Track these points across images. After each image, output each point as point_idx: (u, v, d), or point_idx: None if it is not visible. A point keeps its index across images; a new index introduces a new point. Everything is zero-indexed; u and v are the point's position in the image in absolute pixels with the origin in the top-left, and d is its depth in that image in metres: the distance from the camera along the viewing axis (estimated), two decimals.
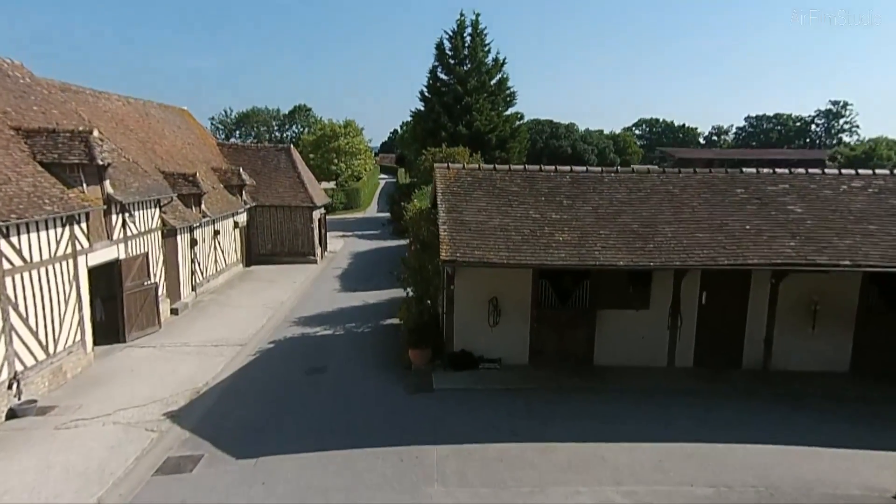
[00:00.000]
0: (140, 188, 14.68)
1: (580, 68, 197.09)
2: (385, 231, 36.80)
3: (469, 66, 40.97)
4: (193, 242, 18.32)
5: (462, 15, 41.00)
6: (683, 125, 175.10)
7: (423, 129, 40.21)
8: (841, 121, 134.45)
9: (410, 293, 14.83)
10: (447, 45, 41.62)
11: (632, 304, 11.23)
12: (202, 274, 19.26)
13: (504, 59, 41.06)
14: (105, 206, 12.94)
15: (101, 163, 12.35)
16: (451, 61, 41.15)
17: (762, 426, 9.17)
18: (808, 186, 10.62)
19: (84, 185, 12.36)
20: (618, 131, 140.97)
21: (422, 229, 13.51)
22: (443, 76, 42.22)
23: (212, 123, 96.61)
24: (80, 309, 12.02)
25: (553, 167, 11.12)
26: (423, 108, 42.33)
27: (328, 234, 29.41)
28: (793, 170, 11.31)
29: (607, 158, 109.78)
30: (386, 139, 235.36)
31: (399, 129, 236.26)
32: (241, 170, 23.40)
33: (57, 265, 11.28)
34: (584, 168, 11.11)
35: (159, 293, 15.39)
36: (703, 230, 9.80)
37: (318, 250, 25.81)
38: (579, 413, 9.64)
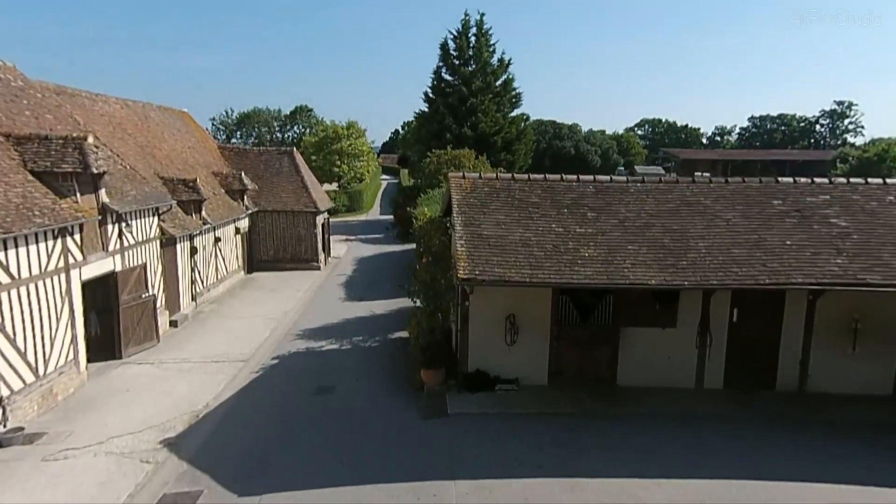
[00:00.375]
0: (138, 196, 14.02)
1: (582, 67, 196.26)
2: (389, 235, 36.13)
3: (474, 66, 40.30)
4: (193, 251, 17.68)
5: (466, 15, 40.33)
6: (686, 125, 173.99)
7: (428, 131, 39.56)
8: (846, 121, 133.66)
9: (419, 303, 14.22)
10: (451, 45, 40.96)
11: (658, 321, 10.56)
12: (202, 283, 18.60)
13: (509, 60, 40.48)
14: (100, 217, 12.28)
15: (95, 171, 11.70)
16: (456, 62, 40.50)
17: (806, 458, 8.50)
18: (851, 197, 9.94)
19: (78, 194, 11.71)
20: (620, 132, 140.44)
21: (433, 239, 12.84)
22: (447, 77, 41.57)
23: (212, 124, 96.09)
24: (74, 326, 11.37)
25: (575, 176, 10.44)
26: (427, 110, 41.67)
27: (331, 238, 28.76)
28: (833, 180, 10.62)
29: (611, 159, 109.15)
30: (387, 139, 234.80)
31: (401, 130, 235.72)
32: (243, 174, 22.75)
33: (48, 280, 10.63)
34: (609, 178, 10.43)
35: (158, 305, 14.74)
36: (740, 245, 9.13)
37: (322, 256, 25.16)
38: (607, 442, 8.97)
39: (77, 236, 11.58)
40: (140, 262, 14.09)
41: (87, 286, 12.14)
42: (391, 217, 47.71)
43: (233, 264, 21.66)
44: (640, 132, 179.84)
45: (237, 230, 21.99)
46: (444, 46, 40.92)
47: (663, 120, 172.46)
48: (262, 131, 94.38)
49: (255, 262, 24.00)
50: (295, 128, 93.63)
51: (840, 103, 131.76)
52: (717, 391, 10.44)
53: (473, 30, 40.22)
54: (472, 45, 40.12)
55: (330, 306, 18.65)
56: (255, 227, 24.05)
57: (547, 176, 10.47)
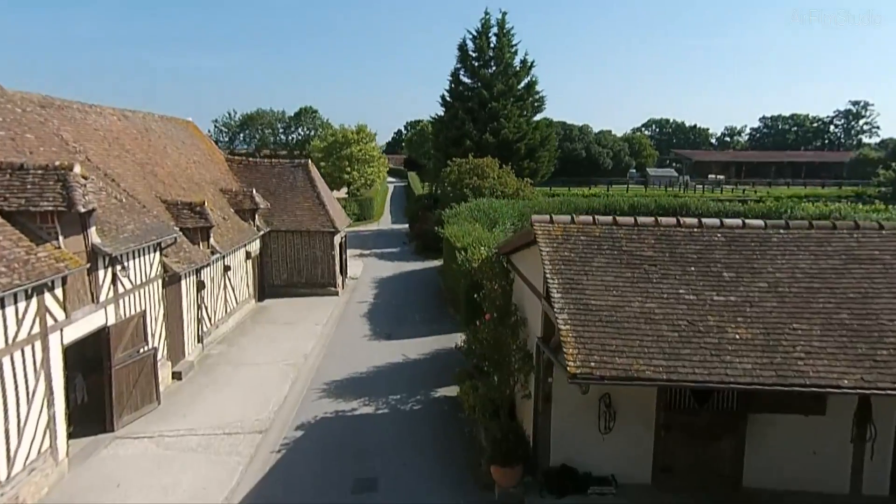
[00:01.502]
0: (136, 231, 11.71)
1: (587, 67, 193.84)
2: (406, 249, 33.75)
3: (495, 68, 37.98)
4: (201, 285, 15.37)
5: (487, 14, 37.99)
6: (695, 126, 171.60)
7: (446, 137, 37.22)
8: (861, 121, 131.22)
9: (461, 343, 12.02)
10: (470, 45, 38.61)
11: (799, 406, 8.24)
12: (210, 319, 16.30)
13: (532, 62, 38.11)
14: (89, 264, 9.97)
15: (83, 209, 9.39)
16: (476, 63, 38.16)
17: None
18: None
19: (60, 237, 9.40)
20: (627, 131, 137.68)
21: (493, 287, 10.50)
22: (466, 79, 39.22)
23: (215, 126, 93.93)
24: (51, 405, 9.07)
25: (696, 220, 8.10)
26: (444, 115, 39.34)
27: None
28: None
29: (622, 162, 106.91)
30: (390, 139, 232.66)
31: (404, 130, 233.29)
32: (254, 192, 20.44)
33: (17, 354, 8.33)
34: (740, 221, 8.09)
35: (158, 358, 12.44)
36: None
37: (339, 279, 22.83)
38: None
39: (58, 291, 9.28)
40: (138, 310, 11.78)
41: (71, 348, 9.85)
42: (405, 227, 45.41)
43: (243, 293, 19.36)
44: (647, 132, 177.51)
45: (248, 255, 19.70)
46: (462, 47, 38.60)
47: (671, 120, 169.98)
48: (265, 133, 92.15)
49: (266, 287, 21.70)
50: (299, 129, 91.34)
51: (855, 103, 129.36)
52: (883, 499, 8.12)
53: (494, 29, 37.90)
54: (492, 45, 37.79)
55: (355, 347, 16.31)
56: (267, 248, 21.75)
57: (659, 220, 8.16)
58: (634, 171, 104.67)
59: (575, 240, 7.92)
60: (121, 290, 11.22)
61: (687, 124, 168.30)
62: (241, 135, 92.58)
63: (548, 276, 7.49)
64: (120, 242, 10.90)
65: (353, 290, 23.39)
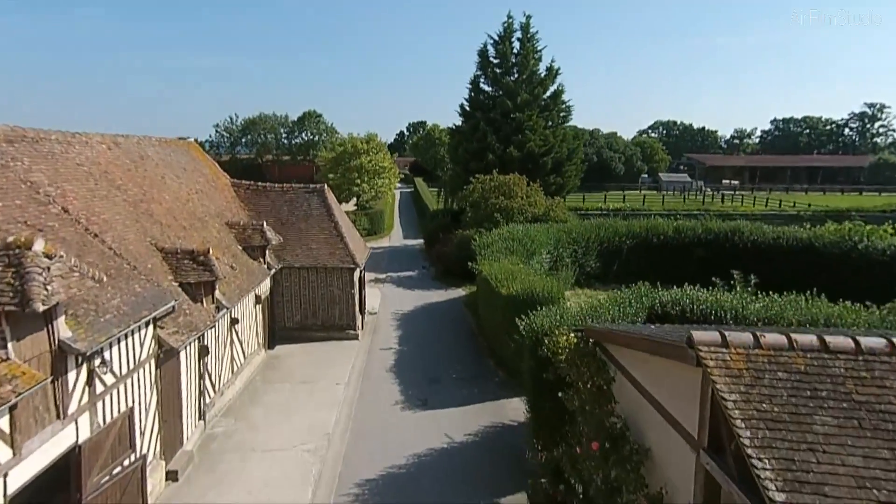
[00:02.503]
0: (123, 307, 9.13)
1: (592, 68, 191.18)
2: (425, 273, 31.13)
3: (517, 75, 35.40)
4: (204, 351, 12.80)
5: (510, 17, 35.42)
6: (703, 128, 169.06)
7: (466, 150, 34.60)
8: (876, 124, 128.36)
9: (533, 455, 9.44)
10: (492, 51, 36.03)
11: None
12: (214, 387, 13.74)
13: (558, 69, 35.47)
14: (51, 377, 7.39)
15: (43, 305, 6.81)
16: (497, 71, 35.57)
17: None
18: None
19: (11, 343, 6.83)
20: (633, 134, 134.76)
21: (588, 388, 7.93)
22: (487, 88, 36.63)
23: (216, 130, 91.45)
24: None
25: None
26: (463, 125, 36.76)
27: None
28: None
29: (634, 167, 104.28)
30: (392, 141, 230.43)
31: (406, 132, 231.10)
32: (265, 225, 17.86)
33: None
34: None
35: (149, 461, 9.88)
36: None
37: (359, 320, 20.25)
38: None
39: (4, 420, 6.71)
40: (122, 411, 9.21)
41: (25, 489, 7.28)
42: (419, 242, 42.83)
43: (251, 344, 16.79)
44: (654, 135, 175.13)
45: (258, 299, 17.14)
46: (483, 53, 36.02)
47: (678, 122, 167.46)
48: (267, 138, 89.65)
49: (277, 330, 19.15)
50: (303, 134, 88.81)
51: (871, 105, 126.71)
52: None
53: (518, 34, 35.33)
54: (516, 51, 35.21)
55: (386, 421, 13.68)
56: (278, 286, 19.19)
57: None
58: (646, 176, 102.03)
59: (766, 377, 5.32)
60: (99, 389, 8.65)
61: (695, 126, 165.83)
62: (244, 139, 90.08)
63: (739, 434, 4.90)
64: (100, 330, 8.32)
65: (373, 332, 20.79)
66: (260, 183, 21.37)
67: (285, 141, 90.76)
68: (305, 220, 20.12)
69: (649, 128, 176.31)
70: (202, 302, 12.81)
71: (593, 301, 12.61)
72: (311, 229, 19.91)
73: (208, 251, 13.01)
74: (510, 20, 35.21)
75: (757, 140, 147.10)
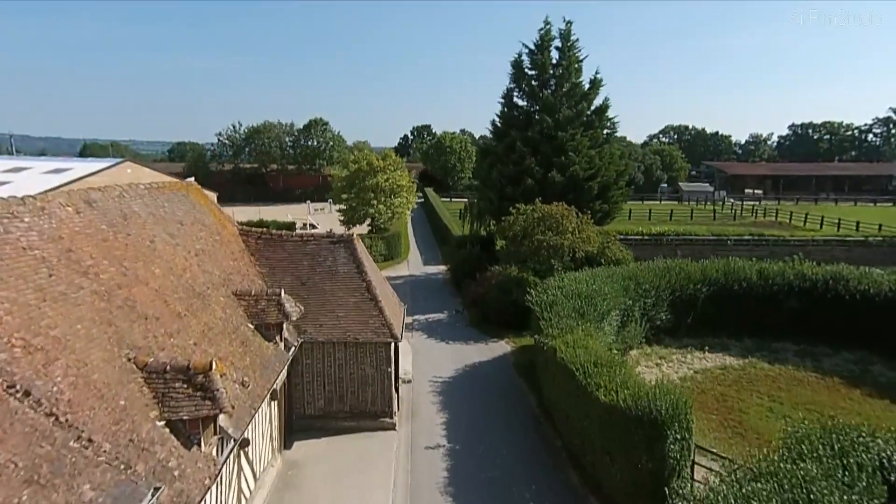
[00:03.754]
0: None
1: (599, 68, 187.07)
2: (458, 318, 27.24)
3: (556, 88, 31.60)
4: None
5: (547, 23, 31.60)
6: (717, 133, 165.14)
7: (501, 173, 30.75)
8: None
9: None
10: (527, 62, 32.23)
11: None
12: None
13: (601, 80, 31.61)
14: None
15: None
16: (534, 83, 31.77)
17: None
18: None
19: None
20: (643, 139, 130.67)
21: None
22: (521, 102, 32.85)
23: (219, 139, 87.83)
24: None
25: None
26: (496, 144, 32.91)
27: None
28: None
29: (654, 175, 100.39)
30: (396, 145, 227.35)
31: (411, 135, 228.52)
32: (283, 295, 14.05)
33: None
34: None
35: None
36: None
37: (395, 401, 16.41)
38: None
39: None
40: None
41: None
42: (440, 270, 39.00)
43: (264, 458, 12.97)
44: (665, 139, 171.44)
45: (273, 394, 13.33)
46: (517, 64, 32.19)
47: (690, 126, 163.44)
48: (272, 147, 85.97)
49: (294, 419, 15.35)
50: (310, 142, 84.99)
51: None
52: None
53: (556, 42, 31.53)
54: (554, 61, 31.40)
55: None
56: (297, 365, 15.38)
57: None
58: (666, 185, 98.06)
59: None
60: None
61: (708, 131, 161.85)
62: (247, 148, 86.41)
63: None
64: None
65: (411, 415, 16.91)
66: (274, 231, 17.53)
67: (290, 149, 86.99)
68: (331, 278, 16.29)
69: (660, 132, 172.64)
70: (199, 444, 8.98)
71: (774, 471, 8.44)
72: (337, 291, 16.08)
73: (210, 367, 9.19)
74: (547, 27, 31.42)
75: (774, 146, 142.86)
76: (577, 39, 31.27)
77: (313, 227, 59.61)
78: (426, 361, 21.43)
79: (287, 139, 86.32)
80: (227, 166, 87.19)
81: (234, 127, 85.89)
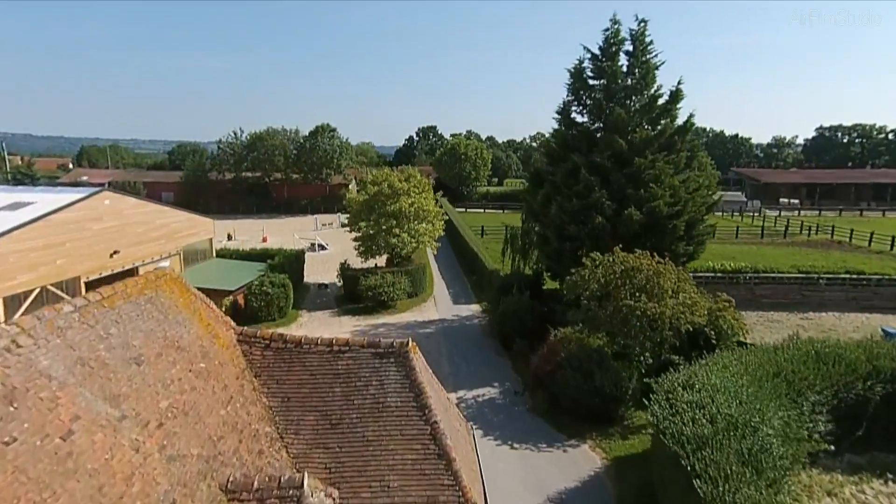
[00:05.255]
0: None
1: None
2: (516, 400, 21.47)
3: (627, 101, 25.85)
4: None
5: (616, 22, 25.75)
6: (737, 135, 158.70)
7: (563, 208, 24.94)
8: None
9: None
10: (589, 69, 26.46)
11: None
12: None
13: (683, 91, 25.75)
14: None
15: None
16: (599, 96, 25.99)
17: None
18: None
19: None
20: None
21: None
22: (581, 118, 27.07)
23: (219, 147, 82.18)
24: None
25: None
26: (551, 169, 27.11)
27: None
28: None
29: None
30: (401, 146, 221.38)
31: (416, 136, 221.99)
32: (306, 486, 8.35)
33: None
34: None
35: None
36: None
37: None
38: None
39: None
40: None
41: None
42: (474, 310, 33.28)
43: None
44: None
45: None
46: (577, 73, 26.37)
47: (707, 129, 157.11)
48: (275, 154, 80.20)
49: None
50: (317, 152, 79.13)
51: None
52: None
53: (626, 45, 25.72)
54: (625, 69, 25.63)
55: None
56: None
57: None
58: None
59: None
60: None
61: (727, 133, 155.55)
62: (249, 157, 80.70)
63: None
64: None
65: None
66: (287, 337, 11.84)
67: (295, 157, 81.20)
68: (377, 416, 10.56)
69: None
70: None
71: None
72: (386, 439, 10.34)
73: None
74: (616, 27, 25.61)
75: (800, 149, 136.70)
76: (652, 42, 25.46)
77: (323, 247, 53.88)
78: (489, 482, 15.68)
79: (292, 146, 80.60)
80: (227, 175, 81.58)
81: (235, 133, 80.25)
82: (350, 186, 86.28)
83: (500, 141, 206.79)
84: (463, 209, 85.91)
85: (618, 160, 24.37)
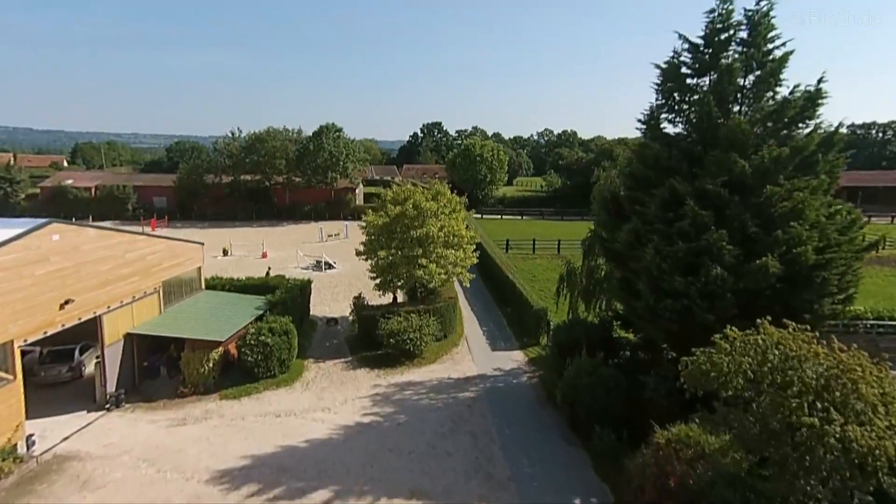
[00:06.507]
0: None
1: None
2: None
3: (741, 105, 19.46)
4: None
5: (726, 1, 19.37)
6: None
7: (661, 253, 18.48)
8: None
9: None
10: (688, 64, 20.08)
11: None
12: None
13: (825, 90, 19.24)
14: None
15: None
16: (705, 100, 19.57)
17: None
18: None
19: None
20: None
21: None
22: (676, 129, 20.67)
23: (214, 148, 75.87)
24: None
25: None
26: (638, 195, 20.74)
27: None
28: None
29: None
30: (405, 143, 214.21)
31: (420, 133, 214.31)
32: None
33: None
34: None
35: None
36: None
37: None
38: None
39: None
40: None
41: None
42: (518, 360, 26.97)
43: None
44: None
45: None
46: (671, 70, 19.97)
47: None
48: (276, 156, 73.81)
49: None
50: (321, 153, 72.64)
51: None
52: None
53: (743, 32, 19.29)
54: (735, 57, 19.17)
55: None
56: None
57: None
58: None
59: None
60: None
61: None
62: (248, 160, 74.31)
63: None
64: None
65: None
66: None
67: (297, 159, 74.79)
68: None
69: None
70: None
71: None
72: None
73: None
74: (727, 6, 19.14)
75: None
76: (772, 17, 18.90)
77: (330, 266, 47.60)
78: None
79: (294, 148, 74.21)
80: (225, 179, 75.32)
81: (232, 134, 73.84)
82: (356, 191, 79.89)
83: (506, 137, 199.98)
84: (479, 215, 79.55)
85: (736, 188, 18.00)
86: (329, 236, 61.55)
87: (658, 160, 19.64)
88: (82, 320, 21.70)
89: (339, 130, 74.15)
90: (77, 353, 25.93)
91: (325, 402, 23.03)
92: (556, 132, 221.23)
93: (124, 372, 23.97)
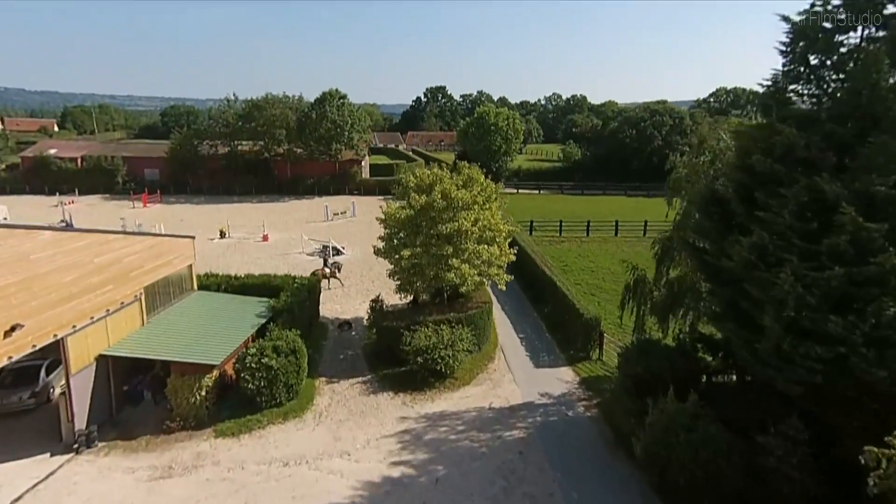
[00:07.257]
0: None
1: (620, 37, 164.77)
2: None
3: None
4: None
5: None
6: None
7: (800, 278, 13.67)
8: None
9: None
10: (832, 17, 14.85)
11: None
12: None
13: None
14: None
15: None
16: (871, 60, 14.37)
17: None
18: None
19: None
20: (686, 102, 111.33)
21: None
22: (818, 100, 15.63)
23: (209, 117, 70.13)
24: None
25: None
26: (757, 194, 15.79)
27: None
28: None
29: None
30: (408, 108, 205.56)
31: (424, 97, 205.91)
32: None
33: None
34: None
35: None
36: None
37: None
38: None
39: None
40: None
41: None
42: (568, 377, 22.55)
43: None
44: (715, 104, 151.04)
45: None
46: (805, 28, 14.81)
47: (746, 90, 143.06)
48: (276, 126, 68.15)
49: None
50: (324, 122, 66.88)
51: None
52: None
53: None
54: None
55: None
56: None
57: None
58: None
59: None
60: None
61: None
62: (245, 127, 68.62)
63: None
64: None
65: None
66: None
67: (298, 127, 69.11)
68: None
69: (711, 96, 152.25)
70: None
71: None
72: None
73: None
74: None
75: None
76: None
77: (339, 252, 42.87)
78: None
79: (294, 116, 68.43)
80: (221, 149, 69.85)
81: (228, 101, 67.95)
82: (363, 164, 74.46)
83: (513, 102, 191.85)
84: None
85: None
86: (335, 214, 56.66)
87: (792, 150, 14.62)
88: (37, 347, 17.20)
89: (344, 97, 68.23)
90: (43, 372, 21.61)
91: (343, 444, 18.74)
92: (563, 97, 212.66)
93: (97, 403, 19.59)
